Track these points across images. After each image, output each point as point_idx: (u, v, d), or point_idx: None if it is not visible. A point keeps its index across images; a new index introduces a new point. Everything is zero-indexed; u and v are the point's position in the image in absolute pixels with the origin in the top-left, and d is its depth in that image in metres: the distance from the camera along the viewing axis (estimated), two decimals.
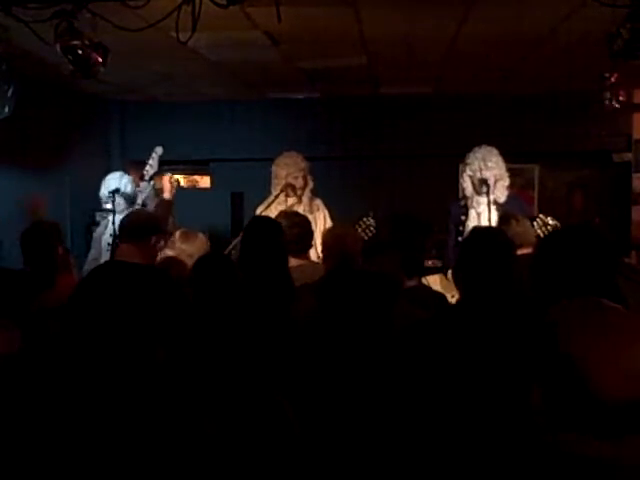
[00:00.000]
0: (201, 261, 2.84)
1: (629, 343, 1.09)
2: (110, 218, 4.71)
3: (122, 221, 3.63)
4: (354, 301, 2.17)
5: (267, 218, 3.50)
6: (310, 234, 3.65)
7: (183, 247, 3.42)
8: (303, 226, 3.60)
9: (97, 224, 5.16)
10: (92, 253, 4.88)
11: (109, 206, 4.81)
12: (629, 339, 1.10)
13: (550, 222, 3.95)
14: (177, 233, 3.54)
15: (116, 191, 4.83)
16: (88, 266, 4.78)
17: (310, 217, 3.99)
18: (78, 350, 1.29)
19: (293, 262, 3.29)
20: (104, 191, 4.89)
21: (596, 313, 1.15)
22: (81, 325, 1.30)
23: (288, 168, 4.64)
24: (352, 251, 3.32)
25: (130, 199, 4.93)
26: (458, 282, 2.30)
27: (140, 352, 1.28)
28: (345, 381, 2.04)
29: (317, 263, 3.80)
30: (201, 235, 3.57)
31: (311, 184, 4.70)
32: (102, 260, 4.66)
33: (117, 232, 3.67)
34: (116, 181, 4.92)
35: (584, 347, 1.08)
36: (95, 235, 4.93)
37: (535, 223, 4.00)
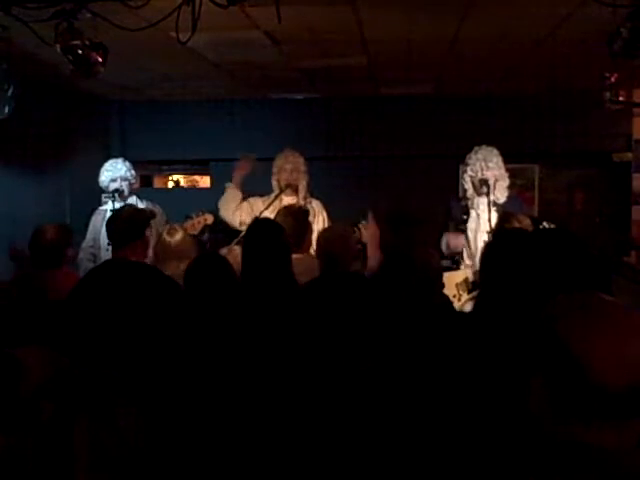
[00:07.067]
0: (196, 261, 2.84)
1: (626, 333, 1.13)
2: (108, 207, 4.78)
3: (114, 226, 3.51)
4: (338, 304, 2.19)
5: (268, 220, 3.49)
6: (305, 228, 3.65)
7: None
8: (298, 219, 3.61)
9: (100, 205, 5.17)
10: (88, 239, 4.86)
11: (109, 206, 4.82)
12: (626, 329, 1.13)
13: None
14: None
15: (116, 191, 4.85)
16: (83, 254, 4.78)
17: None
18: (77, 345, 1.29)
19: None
20: (106, 177, 4.92)
21: (594, 305, 1.19)
22: (82, 321, 1.31)
23: (288, 167, 4.63)
24: (340, 253, 3.31)
25: (131, 185, 5.00)
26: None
27: (141, 350, 1.29)
28: (340, 384, 2.04)
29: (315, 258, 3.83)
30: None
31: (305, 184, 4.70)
32: (101, 254, 4.66)
33: (110, 237, 3.56)
34: (120, 167, 4.95)
35: (583, 337, 1.12)
36: (94, 221, 4.91)
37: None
